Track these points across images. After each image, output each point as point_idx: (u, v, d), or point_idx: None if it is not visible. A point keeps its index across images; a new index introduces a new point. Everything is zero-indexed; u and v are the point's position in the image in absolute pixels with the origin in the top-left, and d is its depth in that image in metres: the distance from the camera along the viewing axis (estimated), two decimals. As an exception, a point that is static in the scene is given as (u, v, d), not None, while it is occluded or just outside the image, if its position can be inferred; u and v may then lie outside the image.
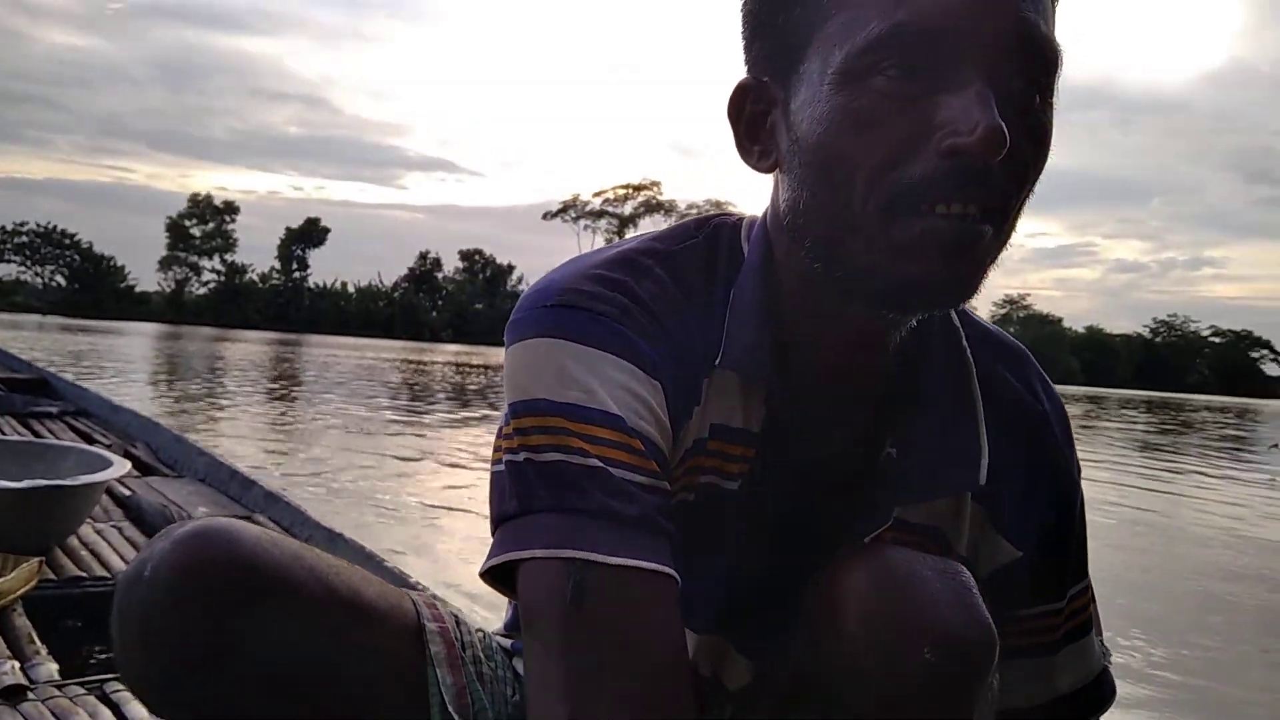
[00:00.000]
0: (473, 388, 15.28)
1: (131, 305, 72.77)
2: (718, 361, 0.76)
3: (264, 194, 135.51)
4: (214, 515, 2.79)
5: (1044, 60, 0.66)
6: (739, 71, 0.77)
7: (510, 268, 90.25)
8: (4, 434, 3.65)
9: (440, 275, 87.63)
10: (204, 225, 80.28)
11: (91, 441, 3.62)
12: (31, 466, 2.56)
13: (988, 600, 0.74)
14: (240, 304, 75.58)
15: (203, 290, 79.16)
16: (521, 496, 0.71)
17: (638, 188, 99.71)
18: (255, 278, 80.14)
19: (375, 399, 11.14)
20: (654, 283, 0.76)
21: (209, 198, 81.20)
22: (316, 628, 0.79)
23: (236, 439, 6.05)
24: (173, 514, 2.63)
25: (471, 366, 24.50)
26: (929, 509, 0.81)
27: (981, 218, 0.65)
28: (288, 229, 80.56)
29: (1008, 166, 0.64)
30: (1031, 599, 0.85)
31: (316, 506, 3.17)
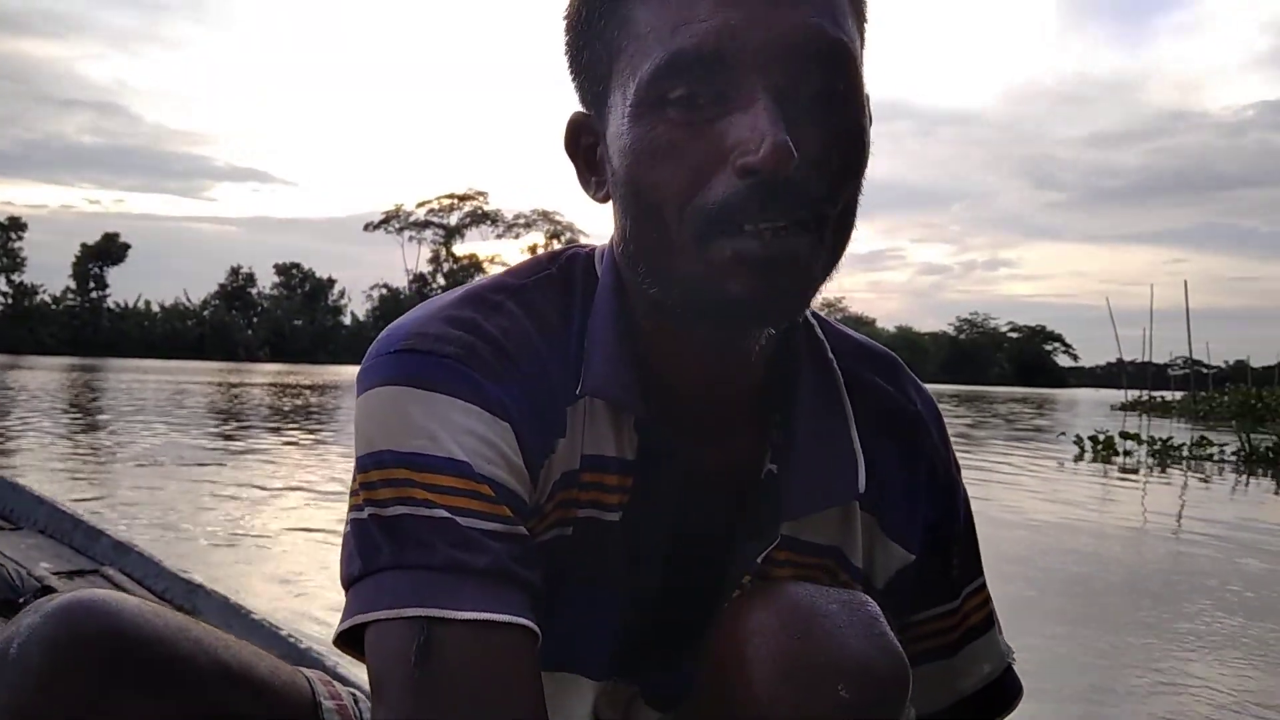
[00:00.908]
0: (294, 409, 14.60)
1: (-98, 332, 66.03)
2: (578, 390, 0.75)
3: (56, 208, 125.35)
4: (58, 571, 2.49)
5: (834, 62, 0.66)
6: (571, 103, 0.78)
7: (331, 281, 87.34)
8: None
9: (254, 291, 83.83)
10: (-15, 243, 73.82)
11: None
12: None
13: (887, 612, 0.74)
14: (31, 327, 69.83)
15: (-15, 314, 72.70)
16: (366, 556, 0.68)
17: (463, 197, 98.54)
18: (48, 298, 74.34)
19: (197, 426, 10.45)
20: (505, 317, 0.75)
21: (-10, 213, 74.72)
22: (206, 707, 0.74)
23: (54, 482, 5.47)
24: (11, 572, 2.29)
25: (290, 387, 23.45)
26: (824, 529, 0.81)
27: (794, 229, 0.65)
28: (83, 245, 75.22)
29: (815, 173, 0.65)
30: (926, 601, 0.86)
31: (165, 551, 2.87)
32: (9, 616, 2.11)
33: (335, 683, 0.89)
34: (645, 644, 0.80)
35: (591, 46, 0.72)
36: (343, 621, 0.68)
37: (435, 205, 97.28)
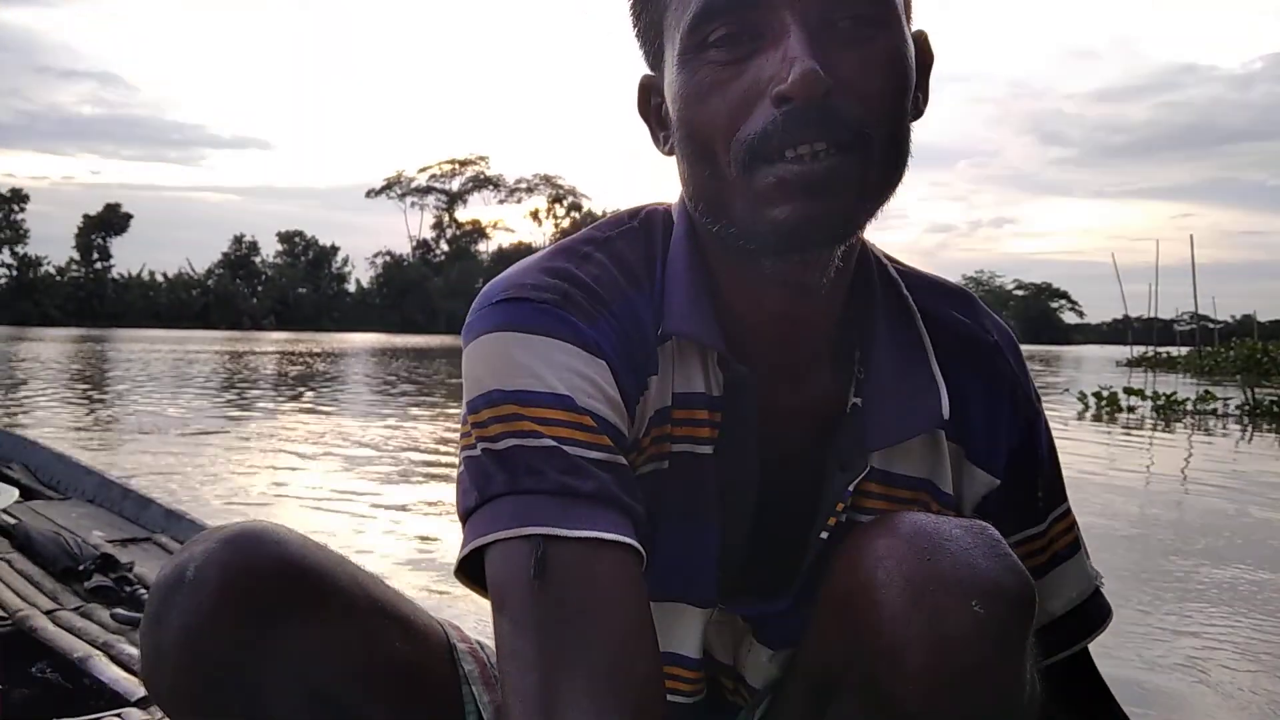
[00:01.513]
0: (307, 374, 14.71)
1: (-92, 306, 66.16)
2: (660, 331, 0.79)
3: (57, 180, 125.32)
4: (112, 539, 2.60)
5: None
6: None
7: (334, 248, 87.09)
8: None
9: (258, 260, 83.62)
10: (-12, 216, 73.70)
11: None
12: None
13: None
14: (36, 299, 69.88)
15: (-9, 286, 72.74)
16: (481, 487, 0.73)
17: (464, 162, 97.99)
18: (52, 270, 74.30)
19: (220, 394, 10.57)
20: (594, 266, 0.80)
21: (-9, 185, 74.52)
22: (361, 637, 0.80)
23: (91, 451, 5.60)
24: (68, 541, 2.40)
25: (299, 355, 23.53)
26: (914, 460, 0.83)
27: (835, 151, 0.69)
28: (86, 217, 75.06)
29: (854, 96, 0.69)
30: (1013, 526, 0.86)
31: (218, 520, 2.96)
32: (69, 585, 2.23)
33: (459, 628, 0.95)
34: (746, 574, 0.84)
35: (647, 9, 0.79)
36: (463, 548, 0.73)
37: (437, 171, 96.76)
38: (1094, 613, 0.91)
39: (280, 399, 10.39)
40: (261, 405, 9.52)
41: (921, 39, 0.77)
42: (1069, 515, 0.91)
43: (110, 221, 74.77)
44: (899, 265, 0.89)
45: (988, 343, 0.88)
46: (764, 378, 0.81)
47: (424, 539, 3.70)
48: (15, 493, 2.31)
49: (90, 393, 10.40)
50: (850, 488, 0.81)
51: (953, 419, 0.82)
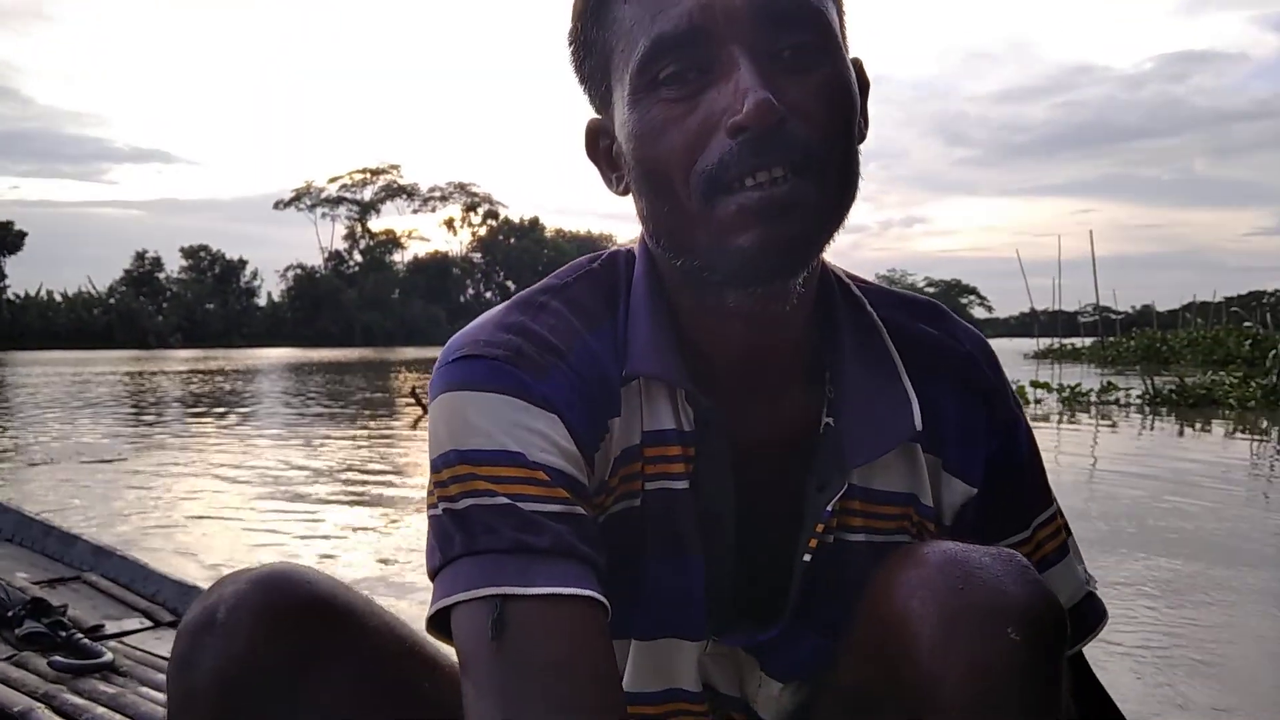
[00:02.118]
0: (220, 394, 14.33)
1: None
2: (624, 371, 0.81)
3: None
4: (38, 580, 2.52)
5: (805, 18, 0.73)
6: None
7: (243, 262, 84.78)
8: None
9: (162, 276, 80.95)
10: None
11: None
12: None
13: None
14: (-76, 323, 66.50)
15: (-126, 311, 68.95)
16: (443, 548, 0.74)
17: (376, 171, 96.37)
18: (-60, 292, 70.78)
19: (130, 418, 10.22)
20: (550, 315, 0.81)
21: None
22: (392, 678, 0.81)
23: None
24: (-4, 587, 2.32)
25: (209, 373, 22.87)
26: (894, 476, 0.84)
27: (792, 177, 0.70)
28: (-25, 235, 71.65)
29: (804, 122, 0.71)
30: (997, 534, 0.87)
31: (150, 556, 2.89)
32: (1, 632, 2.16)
33: None
34: (736, 604, 0.84)
35: (590, 54, 0.80)
36: (430, 608, 0.74)
37: (347, 180, 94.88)
38: (1088, 616, 0.90)
39: (194, 421, 10.09)
40: (174, 428, 9.24)
41: (858, 65, 0.79)
42: (1056, 519, 0.91)
43: (2, 240, 71.58)
44: (862, 283, 0.90)
45: (960, 352, 0.89)
46: (735, 407, 0.83)
47: (382, 560, 3.66)
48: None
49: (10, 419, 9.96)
50: (829, 507, 0.81)
51: (927, 430, 0.83)
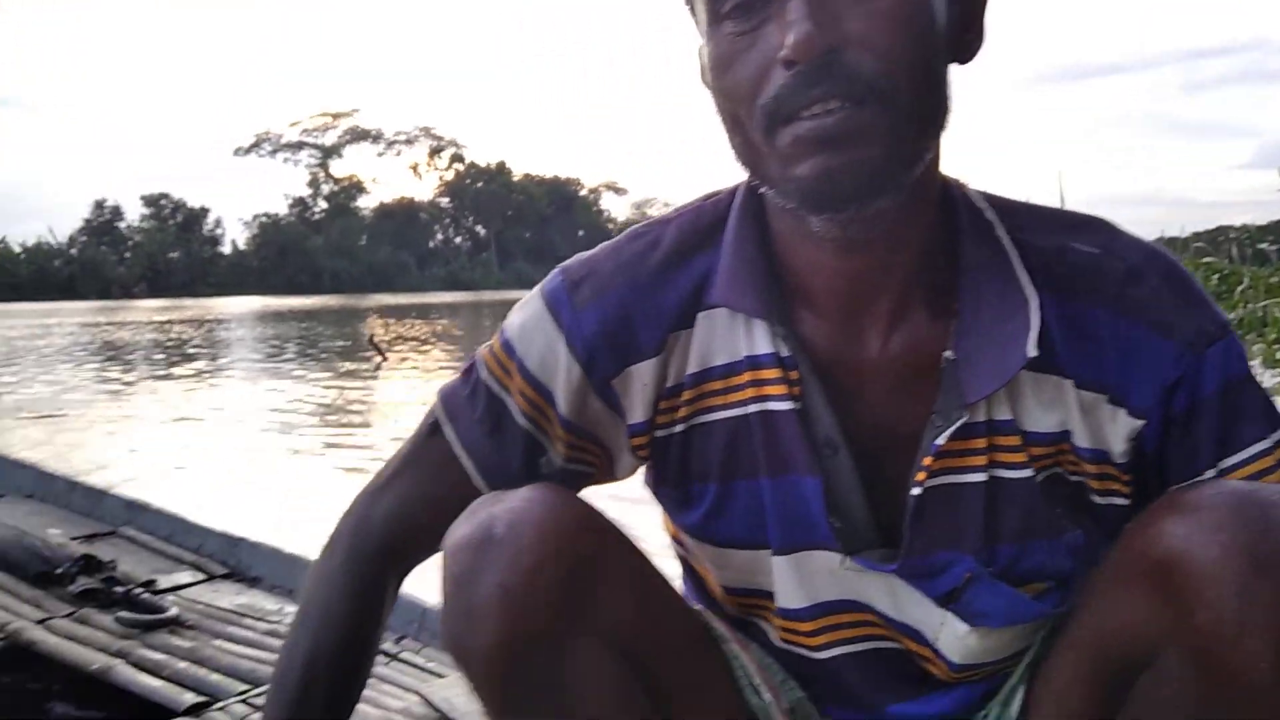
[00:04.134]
0: (192, 343, 14.14)
1: None
2: (714, 298, 0.84)
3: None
4: (74, 536, 2.45)
5: None
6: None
7: (205, 210, 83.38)
8: None
9: (123, 225, 79.56)
10: None
11: None
12: None
13: (1144, 479, 0.80)
14: (-121, 278, 65.02)
15: None
16: (458, 385, 0.93)
17: (337, 115, 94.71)
18: (-108, 246, 69.13)
19: (106, 367, 10.05)
20: (641, 245, 0.87)
21: None
22: (650, 598, 0.84)
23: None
24: (38, 543, 2.25)
25: (177, 322, 22.55)
26: (1026, 407, 0.80)
27: (849, 107, 0.70)
28: (-74, 185, 69.84)
29: (866, 53, 0.70)
30: (1218, 453, 0.80)
31: (183, 510, 2.80)
32: (47, 589, 2.10)
33: None
34: (866, 529, 0.84)
35: None
36: (435, 398, 0.94)
37: (308, 125, 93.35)
38: None
39: (168, 370, 9.97)
40: (148, 376, 9.13)
41: None
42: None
43: (-45, 190, 69.84)
44: (1004, 203, 0.85)
45: (1120, 269, 0.80)
46: (843, 333, 0.82)
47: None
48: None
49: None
50: (938, 441, 0.79)
51: (1077, 360, 0.79)
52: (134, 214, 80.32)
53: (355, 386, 8.36)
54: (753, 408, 0.84)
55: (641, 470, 0.92)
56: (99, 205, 78.59)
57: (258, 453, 4.97)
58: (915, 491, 0.80)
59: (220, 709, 1.58)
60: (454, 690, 1.62)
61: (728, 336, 0.85)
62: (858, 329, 0.82)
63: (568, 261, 0.90)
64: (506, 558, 0.74)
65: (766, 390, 0.83)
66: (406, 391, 8.18)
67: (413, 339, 15.59)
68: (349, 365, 10.68)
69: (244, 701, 1.60)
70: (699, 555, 0.92)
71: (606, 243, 0.90)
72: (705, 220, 0.87)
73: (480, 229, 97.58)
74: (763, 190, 0.80)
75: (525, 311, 0.89)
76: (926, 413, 0.81)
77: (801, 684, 0.91)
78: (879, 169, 0.72)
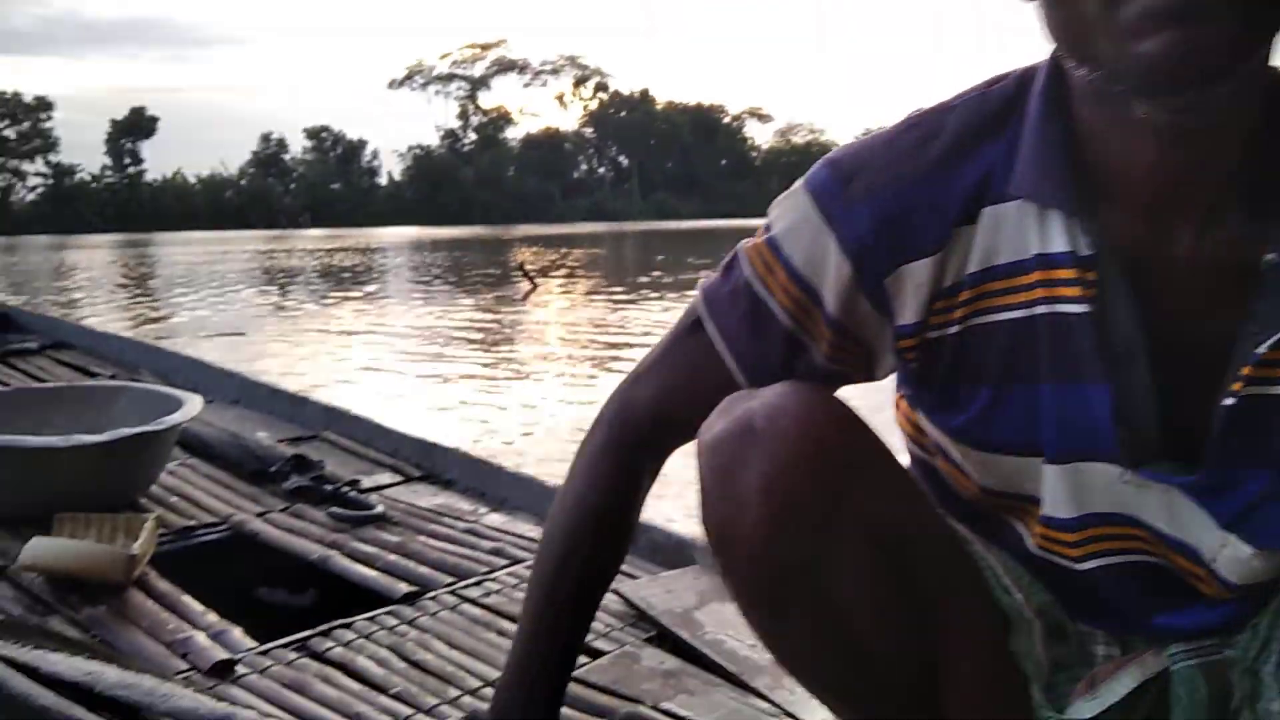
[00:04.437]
0: (368, 270, 14.77)
1: (-49, 220, 66.76)
2: (1003, 190, 0.78)
3: (82, 86, 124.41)
4: (279, 439, 2.61)
5: None
6: None
7: (362, 143, 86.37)
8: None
9: (288, 157, 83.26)
10: (18, 125, 73.65)
11: (91, 375, 3.29)
12: (81, 415, 2.31)
13: None
14: (76, 207, 70.27)
15: (31, 197, 73.27)
16: (718, 283, 0.91)
17: (485, 46, 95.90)
18: (86, 177, 74.49)
19: (289, 291, 10.65)
20: (925, 135, 0.81)
21: (18, 95, 74.25)
22: (904, 496, 0.84)
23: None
24: (250, 444, 2.41)
25: (347, 250, 23.54)
26: None
27: None
28: (113, 122, 74.78)
29: None
30: None
31: (380, 419, 2.93)
32: (262, 486, 2.25)
33: None
34: (1155, 441, 0.79)
35: None
36: (699, 288, 0.93)
37: (458, 57, 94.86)
38: None
39: (338, 294, 10.46)
40: (326, 299, 9.60)
41: None
42: None
43: (138, 125, 74.51)
44: None
45: None
46: (1151, 232, 0.76)
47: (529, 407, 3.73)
48: (200, 400, 2.30)
49: (154, 298, 10.49)
50: (1259, 350, 0.73)
51: None
52: (297, 147, 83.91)
53: (508, 311, 8.71)
54: (1040, 309, 0.79)
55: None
56: (265, 138, 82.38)
57: (424, 369, 5.18)
58: (1229, 402, 0.75)
59: (432, 598, 1.67)
60: (650, 589, 1.66)
61: (1016, 233, 0.79)
62: (1167, 227, 0.76)
63: (833, 154, 0.86)
64: (769, 450, 0.75)
65: (1058, 291, 0.78)
66: (556, 316, 8.61)
67: (560, 268, 15.86)
68: (500, 292, 11.06)
69: (453, 593, 1.69)
70: (954, 456, 0.88)
71: (875, 134, 0.86)
72: (992, 107, 0.81)
73: (623, 159, 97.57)
74: (1080, 71, 0.73)
75: (790, 207, 0.85)
76: (1238, 318, 0.76)
77: (1051, 591, 0.89)
78: (1229, 50, 0.65)
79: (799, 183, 0.86)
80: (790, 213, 0.85)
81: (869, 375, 0.89)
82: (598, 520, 0.95)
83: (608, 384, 4.74)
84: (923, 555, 0.84)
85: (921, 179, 0.80)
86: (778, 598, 0.79)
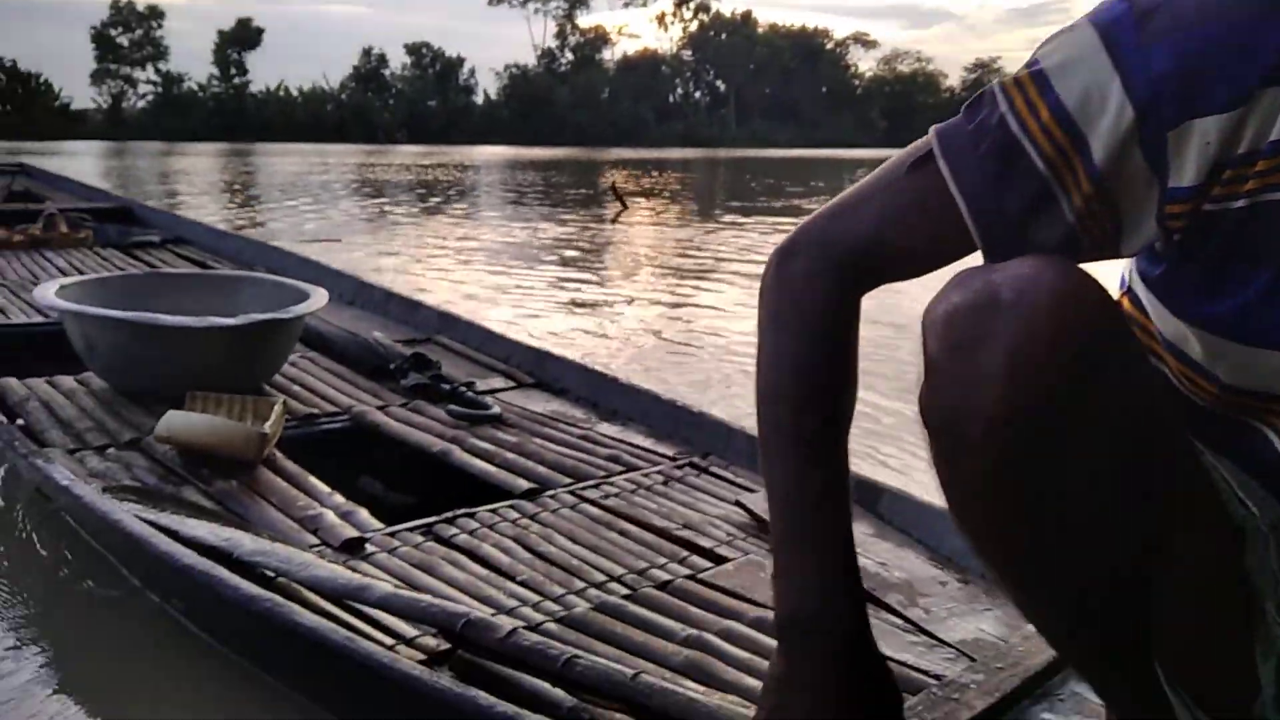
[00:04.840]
0: (468, 185, 14.91)
1: (68, 124, 69.18)
2: None
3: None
4: (395, 340, 2.66)
5: None
6: None
7: (461, 60, 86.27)
8: (113, 268, 3.41)
9: (387, 73, 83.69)
10: (130, 33, 75.44)
11: (209, 270, 3.40)
12: (210, 301, 2.38)
13: None
14: (183, 116, 72.11)
15: (142, 104, 75.43)
16: (968, 110, 0.78)
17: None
18: (194, 86, 76.24)
19: (393, 204, 10.83)
20: None
21: (131, 3, 75.95)
22: (1149, 390, 0.77)
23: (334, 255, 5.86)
24: (373, 342, 2.45)
25: (442, 166, 23.75)
26: None
27: None
28: (220, 33, 76.09)
29: None
30: None
31: (489, 324, 2.96)
32: (381, 383, 2.30)
33: None
34: None
35: None
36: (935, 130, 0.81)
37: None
38: None
39: (443, 206, 10.61)
40: (425, 211, 9.76)
41: None
42: None
43: (244, 37, 75.69)
44: None
45: None
46: None
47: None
48: (325, 294, 2.35)
49: (260, 202, 10.77)
50: None
51: None
52: (396, 63, 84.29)
53: (598, 228, 8.83)
54: None
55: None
56: (366, 53, 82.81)
57: (524, 282, 5.22)
58: None
59: (551, 496, 1.69)
60: (771, 503, 1.65)
61: None
62: None
63: None
64: (1017, 324, 0.69)
65: None
66: (646, 235, 8.76)
67: (650, 191, 15.77)
68: (592, 210, 11.12)
69: (571, 493, 1.71)
70: (1192, 353, 0.80)
71: None
72: None
73: (720, 84, 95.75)
74: None
75: (1069, 42, 0.74)
76: None
77: None
78: None
79: (1082, 17, 0.75)
80: (1068, 48, 0.74)
81: (1114, 250, 0.78)
82: (830, 344, 0.84)
83: (701, 303, 4.86)
84: (1160, 452, 0.77)
85: (1234, 25, 0.70)
86: (1008, 485, 0.73)
